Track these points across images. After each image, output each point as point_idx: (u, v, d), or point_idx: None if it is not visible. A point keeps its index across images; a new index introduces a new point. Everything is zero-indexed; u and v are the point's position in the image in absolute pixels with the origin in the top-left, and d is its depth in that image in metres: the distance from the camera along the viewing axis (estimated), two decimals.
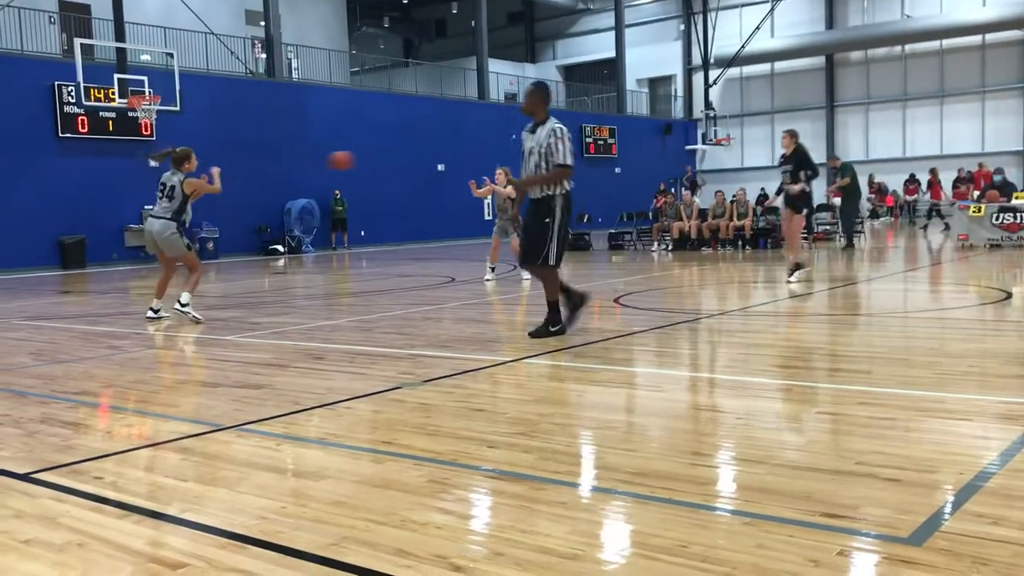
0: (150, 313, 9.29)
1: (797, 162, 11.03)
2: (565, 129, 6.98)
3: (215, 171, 9.14)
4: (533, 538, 2.84)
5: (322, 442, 4.23)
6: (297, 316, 9.75)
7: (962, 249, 15.86)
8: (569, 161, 6.92)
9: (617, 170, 35.34)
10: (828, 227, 20.23)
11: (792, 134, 11.22)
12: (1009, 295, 9.12)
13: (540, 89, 7.20)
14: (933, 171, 26.00)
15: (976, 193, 20.75)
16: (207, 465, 3.89)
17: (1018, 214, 15.88)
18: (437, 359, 6.30)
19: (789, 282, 10.69)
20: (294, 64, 28.41)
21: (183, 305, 8.95)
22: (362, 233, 26.58)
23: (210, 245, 22.42)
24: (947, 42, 33.43)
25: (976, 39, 33.01)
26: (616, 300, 9.86)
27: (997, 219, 16.05)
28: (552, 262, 7.00)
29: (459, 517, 3.13)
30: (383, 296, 10.26)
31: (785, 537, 2.78)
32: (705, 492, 3.32)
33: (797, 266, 10.89)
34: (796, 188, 10.92)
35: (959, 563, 2.52)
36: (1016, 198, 16.49)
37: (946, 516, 2.92)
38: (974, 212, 16.43)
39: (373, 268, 17.80)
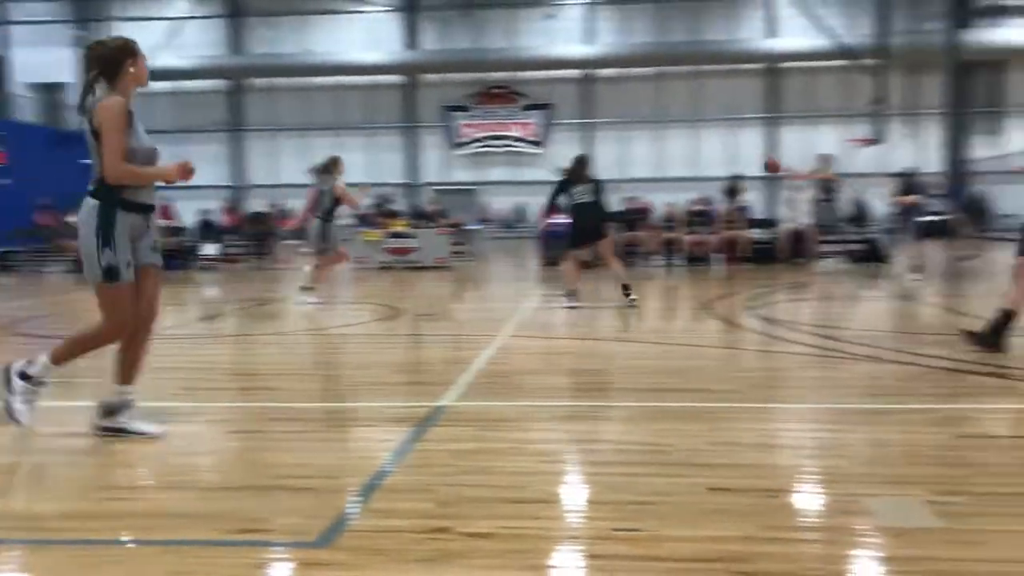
0: None
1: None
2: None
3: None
4: None
5: None
6: None
7: (360, 271, 17.32)
8: None
9: (6, 181, 31.54)
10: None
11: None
12: (398, 311, 10.22)
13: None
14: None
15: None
16: None
17: (404, 239, 17.90)
18: None
19: None
20: None
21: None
22: None
23: None
24: (344, 79, 36.32)
25: (367, 79, 36.41)
26: (7, 329, 8.82)
27: (387, 244, 17.88)
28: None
29: None
30: None
31: (204, 559, 2.78)
32: (120, 527, 3.16)
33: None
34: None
35: (359, 557, 2.78)
36: (394, 226, 18.47)
37: (350, 516, 3.18)
38: (369, 237, 18.07)
39: None
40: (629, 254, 17.44)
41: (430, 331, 8.81)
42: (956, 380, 5.58)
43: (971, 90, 34.73)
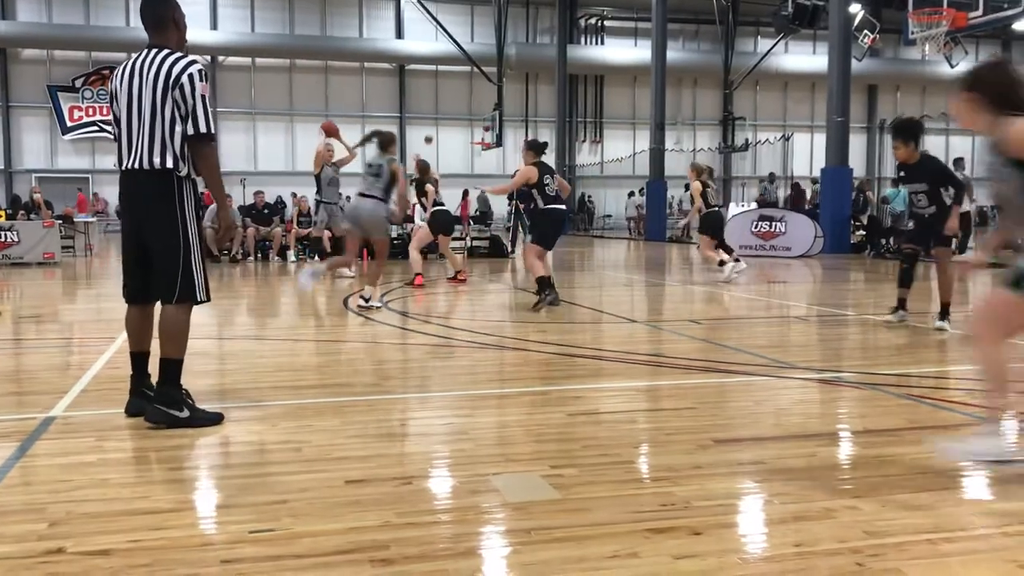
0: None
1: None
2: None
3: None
4: None
5: None
6: None
7: None
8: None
9: None
10: None
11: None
12: None
13: None
14: None
15: None
16: None
17: None
18: None
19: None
20: None
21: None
22: None
23: None
24: None
25: None
26: None
27: None
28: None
29: None
30: None
31: None
32: None
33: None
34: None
35: None
36: None
37: None
38: None
39: None
40: (261, 250, 17.02)
41: (36, 335, 7.93)
42: (566, 363, 6.13)
43: (577, 101, 38.40)
